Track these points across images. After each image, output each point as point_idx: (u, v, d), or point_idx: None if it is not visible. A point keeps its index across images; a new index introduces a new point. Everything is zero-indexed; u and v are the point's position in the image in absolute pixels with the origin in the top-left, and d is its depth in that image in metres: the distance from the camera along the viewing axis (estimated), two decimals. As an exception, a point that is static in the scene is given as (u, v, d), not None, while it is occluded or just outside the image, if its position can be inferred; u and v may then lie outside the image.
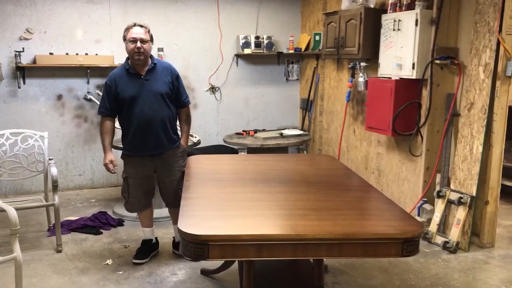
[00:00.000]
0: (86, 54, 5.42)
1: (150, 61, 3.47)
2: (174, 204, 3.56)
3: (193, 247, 2.01)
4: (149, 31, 3.43)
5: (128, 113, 3.45)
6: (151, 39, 3.45)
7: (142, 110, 3.40)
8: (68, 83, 5.47)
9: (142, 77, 3.44)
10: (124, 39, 3.41)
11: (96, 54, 5.47)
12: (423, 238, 4.07)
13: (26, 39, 5.22)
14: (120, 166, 3.61)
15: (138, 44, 3.33)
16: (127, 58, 3.48)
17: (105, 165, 3.53)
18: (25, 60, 5.20)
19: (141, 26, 3.39)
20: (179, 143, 3.65)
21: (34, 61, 5.22)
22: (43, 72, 5.33)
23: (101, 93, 5.41)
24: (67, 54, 5.35)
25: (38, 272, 3.49)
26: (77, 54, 5.38)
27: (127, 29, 3.39)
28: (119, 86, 3.43)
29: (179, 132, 3.72)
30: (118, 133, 3.68)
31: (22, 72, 5.22)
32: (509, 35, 3.71)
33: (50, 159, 4.12)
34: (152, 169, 3.57)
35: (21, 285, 2.88)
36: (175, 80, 3.55)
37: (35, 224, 4.48)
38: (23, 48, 5.14)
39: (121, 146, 3.65)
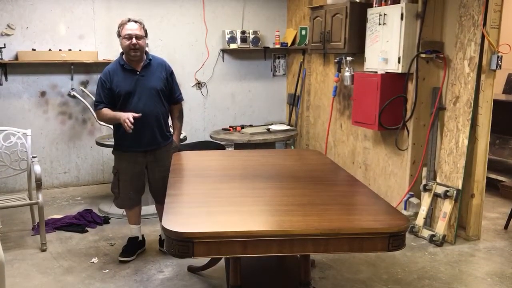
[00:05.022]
0: (70, 50, 5.34)
1: (145, 56, 3.45)
2: (163, 200, 3.53)
3: (178, 245, 1.98)
4: (143, 27, 3.40)
5: (122, 109, 3.39)
6: (146, 34, 3.43)
7: (137, 106, 3.37)
8: (52, 79, 5.39)
9: (138, 73, 3.41)
10: (119, 35, 3.38)
11: (80, 50, 5.40)
12: (410, 231, 4.08)
13: (7, 35, 5.13)
14: (111, 161, 3.55)
15: (134, 40, 3.30)
16: (122, 53, 3.45)
17: (126, 118, 3.21)
18: (6, 56, 5.10)
19: (135, 21, 3.36)
20: (172, 140, 3.63)
21: (16, 57, 5.12)
22: (26, 68, 5.25)
23: (85, 90, 5.39)
24: (50, 50, 5.27)
25: (21, 272, 3.43)
26: (60, 50, 5.30)
27: (122, 25, 3.36)
28: (113, 81, 3.39)
29: (171, 129, 3.70)
30: (109, 129, 3.62)
31: (4, 68, 5.12)
32: (494, 28, 3.73)
33: (33, 157, 4.05)
34: (143, 165, 3.54)
35: (4, 285, 2.82)
36: (169, 77, 3.55)
37: (19, 223, 4.41)
38: (4, 44, 5.04)
39: (112, 142, 3.61)
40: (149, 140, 3.46)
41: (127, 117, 3.23)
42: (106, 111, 3.39)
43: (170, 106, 3.61)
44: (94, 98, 3.66)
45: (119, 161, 3.56)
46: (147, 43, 5.58)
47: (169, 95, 3.56)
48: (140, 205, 3.75)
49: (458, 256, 3.70)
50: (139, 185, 3.61)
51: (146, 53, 3.48)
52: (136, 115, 3.27)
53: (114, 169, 3.58)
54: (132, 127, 3.22)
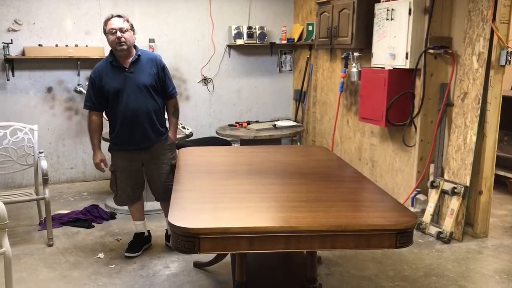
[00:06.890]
0: (76, 45, 5.34)
1: (134, 52, 3.39)
2: (163, 197, 3.53)
3: (184, 241, 1.98)
4: (128, 20, 3.34)
5: (113, 107, 3.39)
6: (132, 28, 3.36)
7: (127, 104, 3.34)
8: (58, 75, 5.40)
9: (126, 69, 3.36)
10: (105, 32, 3.33)
11: (86, 46, 5.40)
12: (416, 228, 4.06)
13: (14, 30, 5.13)
14: (108, 158, 3.57)
15: (118, 34, 3.24)
16: (111, 51, 3.41)
17: (96, 164, 3.52)
18: (13, 52, 5.11)
19: (119, 16, 3.31)
20: (167, 136, 3.57)
21: (23, 53, 5.13)
22: (33, 64, 5.25)
23: (91, 85, 5.38)
24: (56, 45, 5.27)
25: (28, 266, 3.45)
26: (66, 45, 5.30)
27: (106, 22, 3.31)
28: (102, 79, 3.36)
29: (168, 125, 3.67)
30: (107, 126, 3.61)
31: (11, 64, 5.13)
32: (503, 23, 3.68)
33: (40, 152, 4.06)
34: (139, 162, 3.52)
35: (11, 280, 2.84)
36: (161, 71, 3.45)
37: (26, 218, 4.43)
38: (11, 40, 5.05)
39: (109, 138, 3.61)
40: (141, 138, 3.42)
41: (97, 163, 3.52)
42: (92, 126, 3.48)
43: (164, 101, 3.55)
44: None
45: (115, 159, 3.53)
46: (153, 39, 5.63)
47: (162, 90, 3.48)
48: (142, 201, 3.74)
49: (465, 253, 3.68)
50: (136, 182, 3.59)
51: (136, 48, 3.42)
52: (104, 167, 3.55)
53: (112, 167, 3.56)
54: (106, 168, 3.57)
